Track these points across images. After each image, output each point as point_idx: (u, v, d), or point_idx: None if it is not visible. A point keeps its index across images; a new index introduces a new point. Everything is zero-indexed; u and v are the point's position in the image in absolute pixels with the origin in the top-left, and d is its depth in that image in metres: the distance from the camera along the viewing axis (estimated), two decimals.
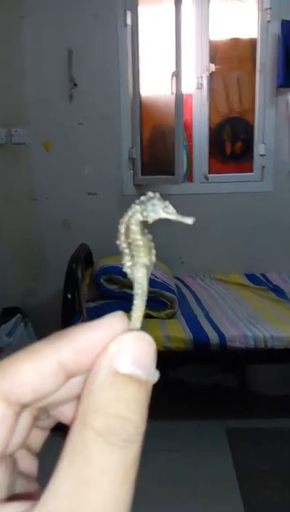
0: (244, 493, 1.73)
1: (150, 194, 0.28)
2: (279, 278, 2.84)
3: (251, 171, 2.94)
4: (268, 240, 2.92)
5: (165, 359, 2.17)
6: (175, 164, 2.60)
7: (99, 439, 0.21)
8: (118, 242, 0.28)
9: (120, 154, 2.82)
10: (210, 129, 2.92)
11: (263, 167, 2.88)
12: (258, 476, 1.81)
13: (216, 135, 2.95)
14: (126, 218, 0.28)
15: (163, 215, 0.27)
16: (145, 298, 0.29)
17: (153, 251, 0.29)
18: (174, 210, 0.27)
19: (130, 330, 0.26)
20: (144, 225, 0.28)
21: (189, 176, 2.96)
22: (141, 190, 2.86)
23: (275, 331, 2.08)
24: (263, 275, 2.89)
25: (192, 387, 2.48)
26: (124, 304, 2.28)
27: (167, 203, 0.28)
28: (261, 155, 2.87)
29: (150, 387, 0.23)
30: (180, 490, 1.81)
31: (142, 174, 2.82)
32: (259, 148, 2.87)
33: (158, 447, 2.07)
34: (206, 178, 2.92)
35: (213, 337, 2.07)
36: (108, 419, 0.21)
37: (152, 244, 0.29)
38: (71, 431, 0.21)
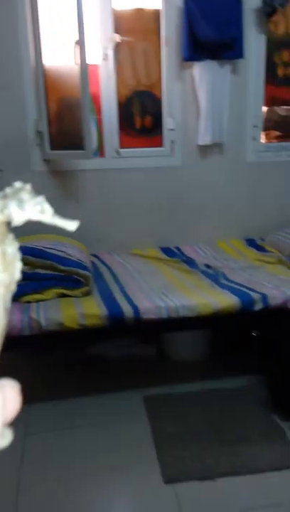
0: (160, 455, 1.81)
1: (17, 185, 0.21)
2: (192, 249, 2.94)
3: (161, 145, 2.97)
4: (180, 213, 3.00)
5: (81, 337, 2.16)
6: (84, 138, 2.54)
7: None
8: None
9: (25, 128, 2.68)
10: (119, 103, 2.88)
11: (172, 141, 2.92)
12: (172, 439, 1.91)
13: (125, 109, 2.92)
14: None
15: (35, 216, 0.20)
16: (3, 326, 0.21)
17: (18, 264, 0.21)
18: (50, 210, 0.21)
19: None
20: (7, 227, 0.21)
21: (100, 151, 2.92)
22: (50, 166, 2.77)
23: (186, 300, 2.16)
24: (177, 248, 2.97)
25: (110, 362, 2.51)
26: (37, 284, 2.22)
27: (41, 198, 0.21)
28: (170, 129, 2.90)
29: None
30: (100, 460, 1.85)
31: (51, 149, 2.72)
32: (167, 123, 2.90)
33: (79, 423, 2.09)
34: (118, 153, 2.90)
35: (128, 311, 2.10)
36: None
37: (17, 255, 0.21)
38: None
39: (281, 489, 1.70)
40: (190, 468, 1.75)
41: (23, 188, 0.20)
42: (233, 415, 2.09)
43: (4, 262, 0.20)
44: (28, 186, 0.21)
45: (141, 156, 2.93)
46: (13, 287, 0.21)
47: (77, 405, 2.20)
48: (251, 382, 2.35)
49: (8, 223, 0.20)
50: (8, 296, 0.21)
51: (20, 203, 0.20)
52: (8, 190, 0.20)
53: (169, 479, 1.71)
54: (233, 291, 2.24)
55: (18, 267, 0.21)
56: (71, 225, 0.21)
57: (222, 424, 2.03)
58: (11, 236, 0.21)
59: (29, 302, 2.14)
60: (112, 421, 2.09)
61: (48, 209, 0.21)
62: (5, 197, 0.20)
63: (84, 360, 2.54)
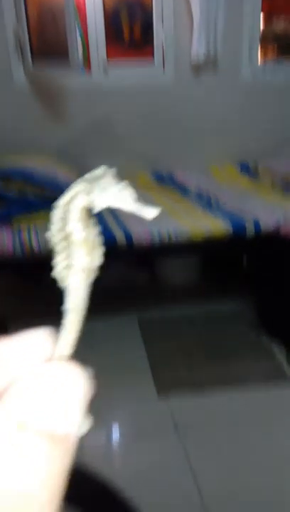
0: (155, 372, 1.91)
1: (100, 171, 0.21)
2: (184, 175, 2.86)
3: (151, 58, 2.74)
4: (172, 136, 2.87)
5: None
6: (68, 48, 2.33)
7: None
8: (49, 233, 0.22)
9: (5, 37, 2.44)
10: (105, 13, 2.61)
11: (164, 56, 2.70)
12: (166, 358, 2.01)
13: (112, 19, 2.66)
14: (64, 201, 0.21)
15: (117, 203, 0.21)
16: (81, 316, 0.23)
17: (99, 250, 0.22)
18: (133, 196, 0.21)
19: (53, 359, 0.20)
20: (89, 212, 0.21)
21: (87, 65, 2.70)
22: (35, 84, 2.56)
23: (177, 226, 2.15)
24: (169, 174, 2.89)
25: (104, 286, 2.54)
26: (27, 207, 2.16)
27: (124, 184, 0.21)
28: (161, 41, 2.67)
29: (72, 443, 0.16)
30: (99, 379, 1.94)
31: (33, 60, 2.50)
32: (158, 33, 2.67)
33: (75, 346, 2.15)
34: (105, 69, 2.69)
35: (120, 236, 2.09)
36: None
37: (98, 240, 0.22)
38: None
39: (270, 402, 1.82)
40: (183, 383, 1.86)
41: (106, 173, 0.21)
42: (224, 336, 2.18)
43: (87, 246, 0.21)
44: (111, 171, 0.21)
45: (131, 73, 2.72)
46: (94, 274, 0.22)
47: None
48: (241, 306, 2.42)
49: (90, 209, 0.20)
50: (89, 282, 0.22)
51: (104, 188, 0.20)
52: (91, 174, 0.21)
53: (163, 393, 1.81)
54: (225, 216, 2.23)
55: (99, 253, 0.22)
56: (151, 213, 0.21)
57: (213, 344, 2.12)
58: (92, 221, 0.21)
59: (20, 226, 2.10)
60: (108, 342, 2.17)
61: (131, 195, 0.21)
62: (88, 181, 0.20)
63: None
